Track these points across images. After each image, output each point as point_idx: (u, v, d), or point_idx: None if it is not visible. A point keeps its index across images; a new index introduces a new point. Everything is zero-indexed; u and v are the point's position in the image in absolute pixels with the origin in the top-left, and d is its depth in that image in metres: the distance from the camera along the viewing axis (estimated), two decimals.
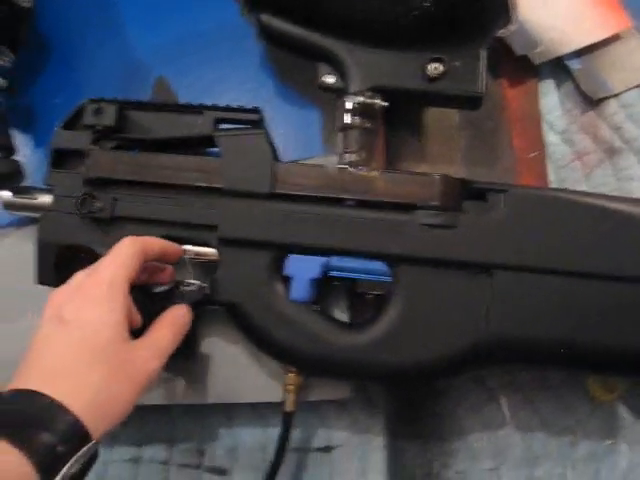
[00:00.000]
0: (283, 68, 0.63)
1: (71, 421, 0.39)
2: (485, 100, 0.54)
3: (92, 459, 0.41)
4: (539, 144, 0.61)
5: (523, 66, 0.62)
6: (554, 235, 0.49)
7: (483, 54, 0.53)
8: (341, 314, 0.55)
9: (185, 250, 0.54)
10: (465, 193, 0.52)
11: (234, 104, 0.55)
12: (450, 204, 0.51)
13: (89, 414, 0.39)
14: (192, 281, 0.53)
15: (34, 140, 0.64)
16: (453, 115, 0.61)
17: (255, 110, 0.55)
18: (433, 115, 0.61)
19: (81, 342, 0.42)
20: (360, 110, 0.53)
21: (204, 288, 0.53)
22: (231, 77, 0.63)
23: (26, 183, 0.61)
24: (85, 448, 0.39)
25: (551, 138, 0.62)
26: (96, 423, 0.39)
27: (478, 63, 0.53)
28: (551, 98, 0.63)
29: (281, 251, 0.53)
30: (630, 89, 0.62)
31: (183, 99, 0.59)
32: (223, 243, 0.53)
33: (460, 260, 0.50)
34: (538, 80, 0.63)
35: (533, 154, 0.61)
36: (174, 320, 0.49)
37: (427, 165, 0.60)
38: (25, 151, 0.63)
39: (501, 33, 0.57)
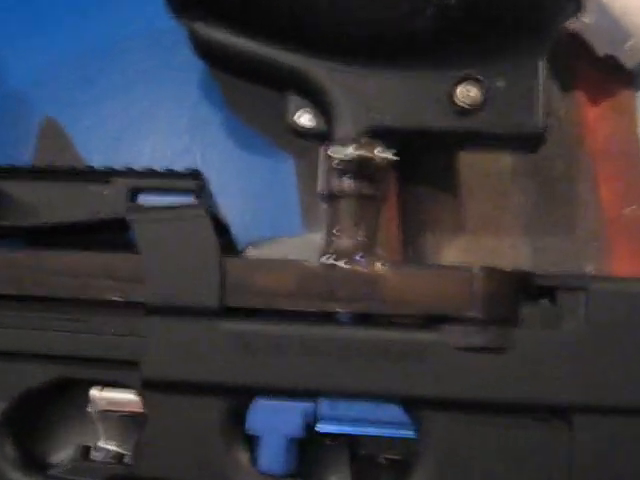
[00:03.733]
0: (236, 100, 0.59)
1: None
2: (551, 132, 0.51)
3: None
4: None
5: (609, 72, 0.59)
6: None
7: (541, 66, 0.49)
8: None
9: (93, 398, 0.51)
10: (523, 293, 0.48)
11: (162, 162, 0.53)
12: (499, 314, 0.47)
13: None
14: (104, 445, 0.52)
15: None
16: (504, 159, 0.58)
17: (193, 174, 0.52)
18: (473, 162, 0.59)
19: None
20: (354, 167, 0.50)
21: (123, 457, 0.51)
22: (158, 115, 0.61)
23: None
24: None
25: None
26: None
27: (534, 80, 0.49)
28: None
29: (241, 397, 0.50)
30: None
31: (86, 152, 0.57)
32: (150, 387, 0.50)
33: (518, 402, 0.47)
34: (635, 91, 0.60)
35: (632, 208, 0.58)
36: None
37: (466, 240, 0.58)
38: None
39: (570, 27, 0.54)
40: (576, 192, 0.58)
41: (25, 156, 0.59)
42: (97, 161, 0.54)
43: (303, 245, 0.53)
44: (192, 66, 0.60)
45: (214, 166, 0.53)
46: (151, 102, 0.61)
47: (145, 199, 0.53)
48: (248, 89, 0.56)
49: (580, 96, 0.59)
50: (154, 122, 0.61)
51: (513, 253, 0.56)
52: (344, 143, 0.50)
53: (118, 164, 0.52)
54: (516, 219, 0.58)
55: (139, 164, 0.53)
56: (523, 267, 0.51)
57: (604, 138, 0.59)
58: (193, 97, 0.61)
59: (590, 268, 0.56)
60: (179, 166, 0.52)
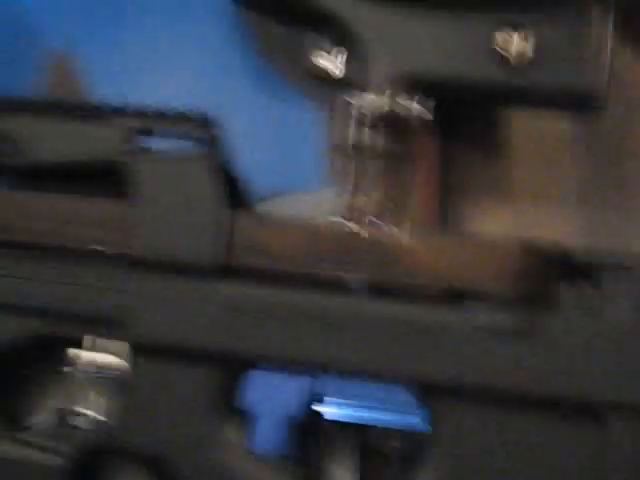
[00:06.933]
0: (263, 47, 0.59)
1: None
2: (617, 88, 0.51)
3: None
4: None
5: None
6: None
7: (606, 16, 0.48)
8: (343, 477, 0.52)
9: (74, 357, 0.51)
10: (563, 274, 0.47)
11: (173, 103, 0.51)
12: (531, 294, 0.46)
13: None
14: (85, 410, 0.52)
15: None
16: (559, 120, 0.57)
17: (202, 118, 0.50)
18: (524, 122, 0.58)
19: None
20: (385, 120, 0.50)
21: (102, 424, 0.51)
22: (180, 58, 0.62)
23: None
24: None
25: None
26: None
27: (591, 29, 0.49)
28: None
29: (237, 366, 0.50)
30: None
31: (102, 93, 0.59)
32: (137, 350, 0.50)
33: (544, 395, 0.46)
34: None
35: None
36: None
37: (512, 211, 0.58)
38: None
39: None
40: None
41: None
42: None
43: (319, 202, 0.52)
44: (218, 8, 0.60)
45: (230, 114, 0.51)
46: (174, 44, 0.62)
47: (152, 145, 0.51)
48: (277, 35, 0.56)
49: None
50: (176, 65, 0.62)
51: (564, 229, 0.55)
52: (375, 94, 0.50)
53: None
54: (573, 193, 0.58)
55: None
56: (574, 246, 0.50)
57: None
58: (218, 41, 0.61)
59: None
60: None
